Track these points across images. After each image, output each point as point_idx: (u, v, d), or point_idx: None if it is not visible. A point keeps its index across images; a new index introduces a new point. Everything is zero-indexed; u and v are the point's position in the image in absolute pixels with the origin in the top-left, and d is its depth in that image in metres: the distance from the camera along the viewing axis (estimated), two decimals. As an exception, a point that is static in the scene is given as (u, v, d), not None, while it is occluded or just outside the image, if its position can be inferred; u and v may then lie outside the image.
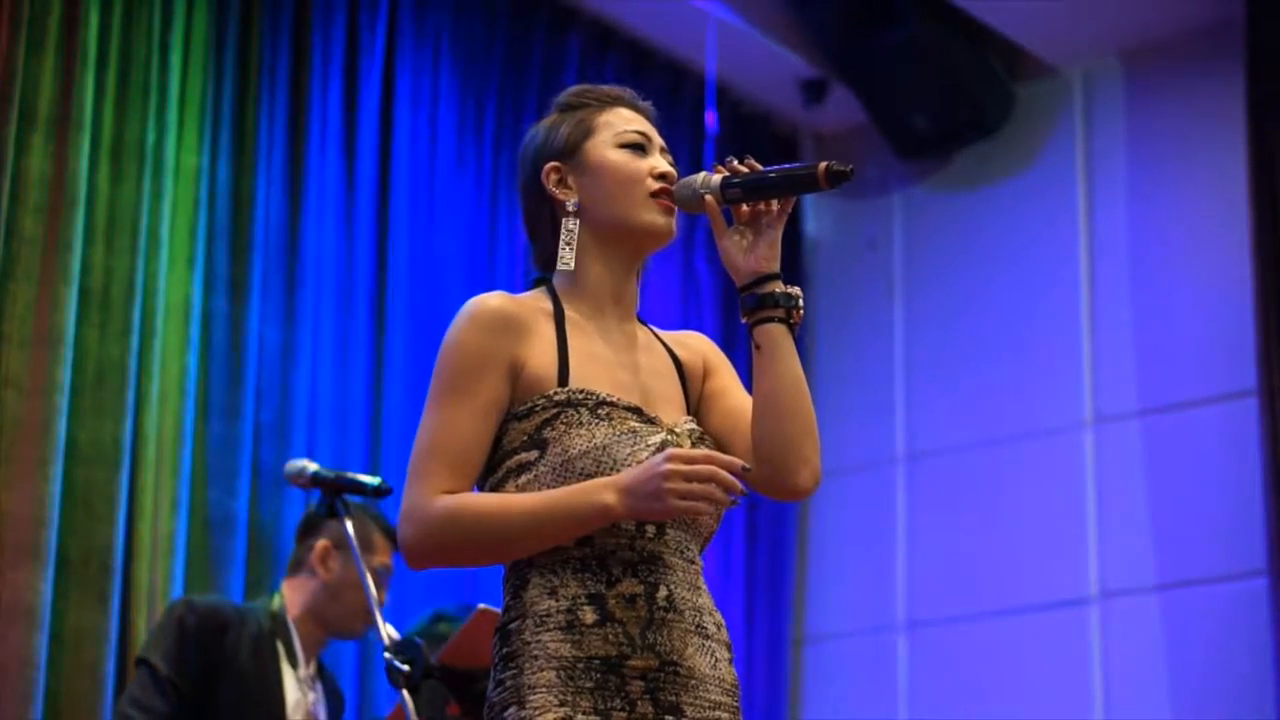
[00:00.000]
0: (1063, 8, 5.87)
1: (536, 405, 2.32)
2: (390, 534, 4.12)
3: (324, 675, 4.18)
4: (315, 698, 4.09)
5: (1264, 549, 5.32)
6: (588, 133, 2.45)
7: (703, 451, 2.24)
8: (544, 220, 2.47)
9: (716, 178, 2.39)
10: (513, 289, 2.46)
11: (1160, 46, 6.01)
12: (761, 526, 6.30)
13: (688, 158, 5.97)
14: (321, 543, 4.08)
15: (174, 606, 3.99)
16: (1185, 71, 5.97)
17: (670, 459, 2.19)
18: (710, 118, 6.05)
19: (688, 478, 2.18)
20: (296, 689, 4.03)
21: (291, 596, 4.10)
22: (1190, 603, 5.59)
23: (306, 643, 4.08)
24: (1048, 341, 6.07)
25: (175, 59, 4.78)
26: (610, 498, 2.22)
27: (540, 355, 2.35)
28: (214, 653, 3.90)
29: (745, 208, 2.38)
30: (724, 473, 2.19)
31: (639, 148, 2.45)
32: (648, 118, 2.51)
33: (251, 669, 3.93)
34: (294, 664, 4.04)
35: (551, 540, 2.26)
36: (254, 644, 3.96)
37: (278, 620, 4.05)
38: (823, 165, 2.32)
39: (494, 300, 2.37)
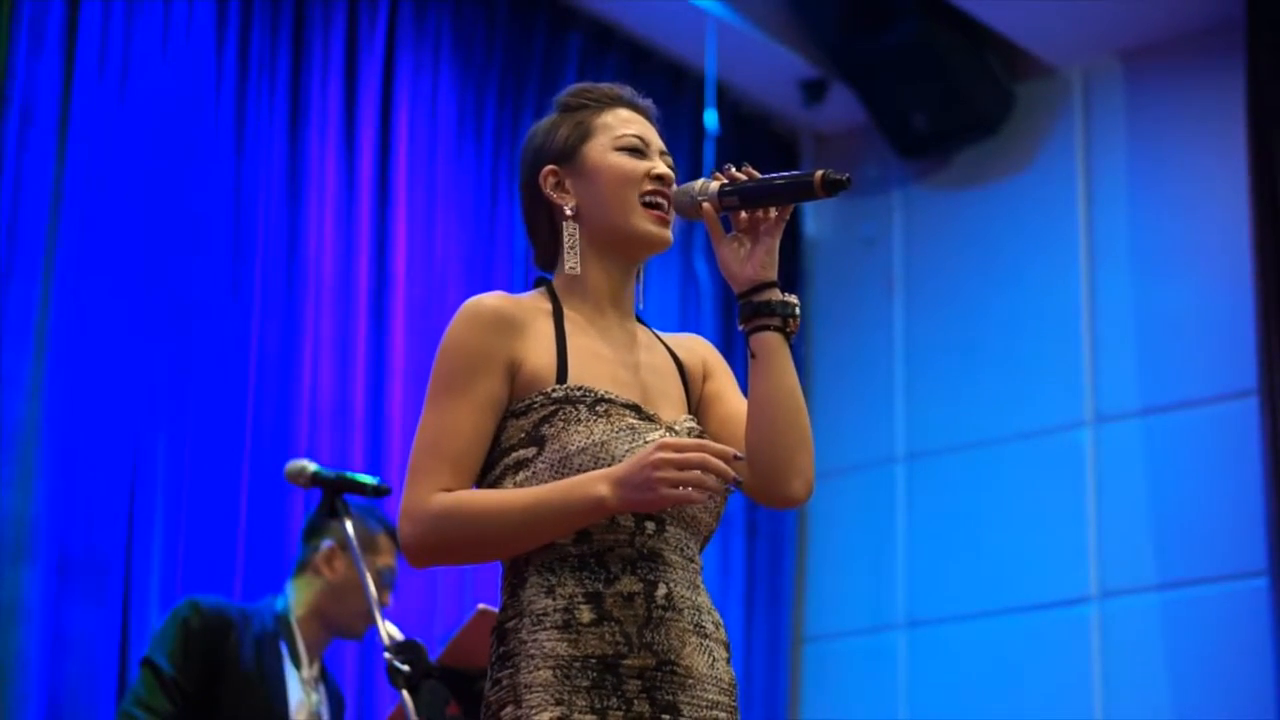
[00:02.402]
0: (1063, 8, 5.86)
1: (534, 402, 2.32)
2: (395, 535, 4.13)
3: (325, 676, 4.19)
4: (318, 698, 4.10)
5: (1264, 549, 5.32)
6: (585, 135, 2.45)
7: (693, 440, 2.23)
8: (541, 221, 2.48)
9: (714, 185, 2.39)
10: (512, 288, 2.47)
11: (1160, 46, 6.00)
12: (761, 526, 6.30)
13: (687, 158, 5.98)
14: (327, 544, 4.10)
15: (179, 607, 4.00)
16: (1185, 71, 5.97)
17: (660, 448, 2.19)
18: (710, 118, 6.05)
19: (678, 466, 2.17)
20: (300, 690, 4.04)
21: (297, 597, 4.11)
22: (1190, 603, 5.59)
23: (310, 643, 4.09)
24: (1048, 341, 6.07)
25: (175, 59, 4.78)
26: (603, 490, 2.21)
27: (538, 353, 2.35)
28: (218, 653, 3.91)
29: (743, 215, 2.38)
30: (715, 460, 2.19)
31: (636, 151, 2.45)
32: (647, 117, 2.51)
33: (255, 670, 3.94)
34: (297, 665, 4.05)
35: (548, 535, 2.27)
36: (258, 645, 3.97)
37: (282, 621, 4.06)
38: (819, 173, 2.32)
39: (491, 299, 2.38)
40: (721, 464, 2.19)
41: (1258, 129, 5.57)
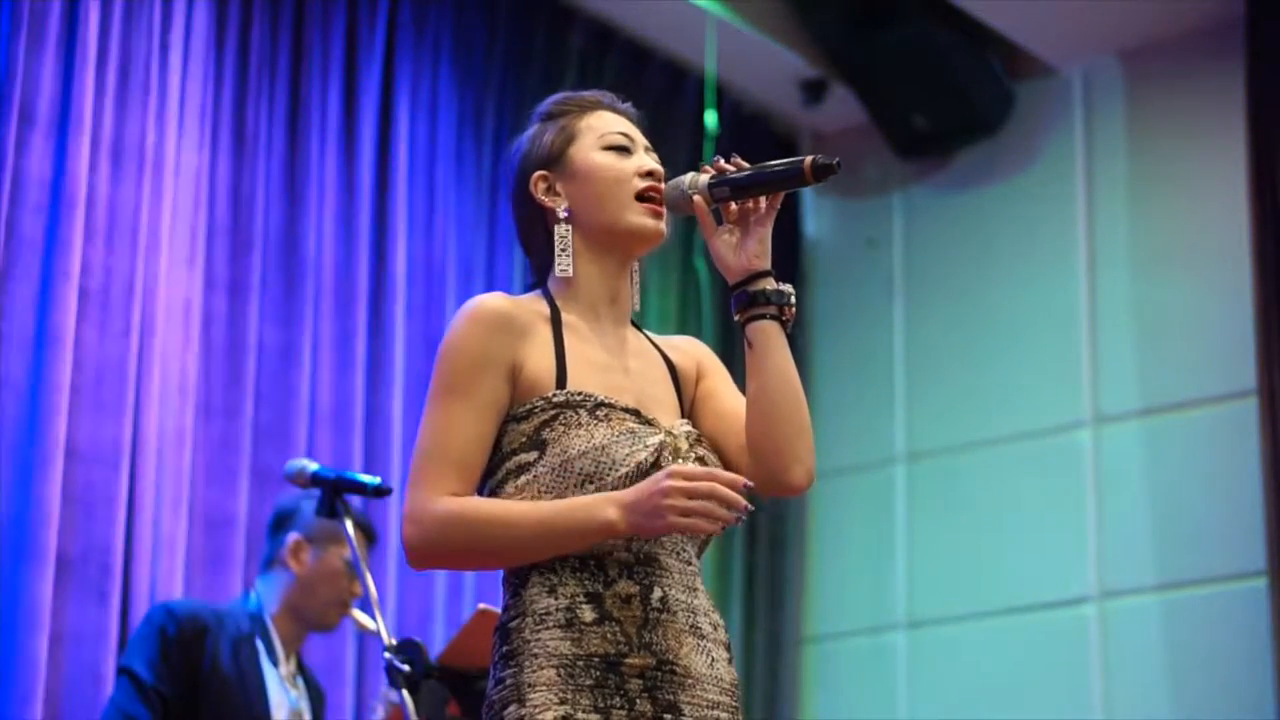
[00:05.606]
0: (1063, 8, 5.86)
1: (535, 407, 2.32)
2: (363, 526, 4.15)
3: (303, 671, 4.20)
4: (298, 694, 4.10)
5: (1264, 549, 5.31)
6: (571, 138, 2.46)
7: (704, 469, 2.24)
8: (537, 231, 2.49)
9: (703, 178, 2.39)
10: (511, 289, 2.47)
11: (1160, 46, 6.00)
12: (761, 526, 6.30)
13: (688, 158, 5.96)
14: (292, 537, 4.12)
15: (153, 614, 4.00)
16: (1185, 71, 5.96)
17: (671, 476, 2.20)
18: (710, 118, 6.05)
19: (688, 494, 2.19)
20: (279, 688, 4.04)
21: (267, 594, 4.13)
22: (1190, 603, 5.59)
23: (285, 639, 4.11)
24: (1048, 341, 6.06)
25: (175, 59, 4.78)
26: (612, 513, 2.23)
27: (538, 357, 2.36)
28: (196, 659, 3.92)
29: (734, 206, 2.38)
30: (725, 490, 2.19)
31: (623, 149, 2.45)
32: (630, 119, 2.52)
33: (234, 672, 3.95)
34: (274, 662, 4.06)
35: (553, 552, 2.28)
36: (234, 646, 3.98)
37: (257, 620, 4.07)
38: (808, 160, 2.33)
39: (493, 300, 2.38)
40: (732, 494, 2.19)
41: (1258, 129, 5.57)
